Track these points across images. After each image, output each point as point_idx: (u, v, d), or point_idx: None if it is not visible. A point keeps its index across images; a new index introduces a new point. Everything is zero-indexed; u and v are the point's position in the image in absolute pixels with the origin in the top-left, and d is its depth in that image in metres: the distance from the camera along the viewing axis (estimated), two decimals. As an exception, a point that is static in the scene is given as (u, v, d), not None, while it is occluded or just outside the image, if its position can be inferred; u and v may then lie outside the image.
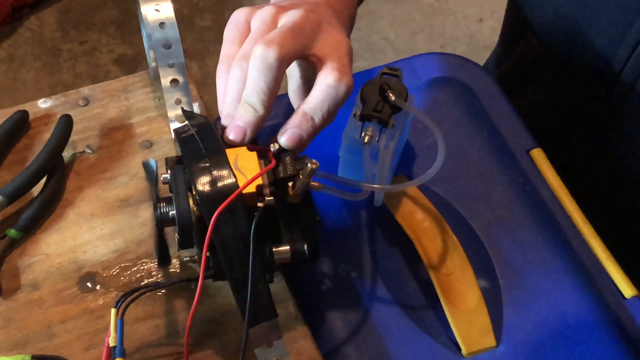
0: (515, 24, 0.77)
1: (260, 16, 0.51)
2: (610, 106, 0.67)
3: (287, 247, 0.48)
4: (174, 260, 0.55)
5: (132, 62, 1.84)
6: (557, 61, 0.71)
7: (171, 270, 0.55)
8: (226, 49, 0.52)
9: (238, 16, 0.52)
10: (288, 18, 0.50)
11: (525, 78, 0.77)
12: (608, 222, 0.65)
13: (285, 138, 0.49)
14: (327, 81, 0.48)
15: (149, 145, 0.61)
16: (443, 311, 0.55)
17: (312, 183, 0.48)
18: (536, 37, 0.71)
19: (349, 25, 0.57)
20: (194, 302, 0.45)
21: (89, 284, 0.54)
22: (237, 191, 0.44)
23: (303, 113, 0.49)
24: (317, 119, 0.49)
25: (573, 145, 0.75)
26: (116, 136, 0.62)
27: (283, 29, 0.48)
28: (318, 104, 0.49)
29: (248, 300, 0.45)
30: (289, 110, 0.54)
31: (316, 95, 0.49)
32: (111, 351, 0.46)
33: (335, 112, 0.50)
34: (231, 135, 0.49)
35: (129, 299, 0.48)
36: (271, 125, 0.66)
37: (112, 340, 0.46)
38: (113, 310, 0.46)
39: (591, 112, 0.70)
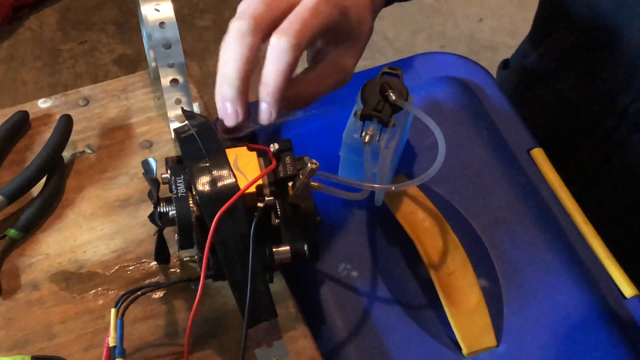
0: (549, 14, 0.76)
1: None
2: (637, 103, 0.67)
3: (287, 247, 0.48)
4: (174, 260, 0.55)
5: (132, 62, 1.85)
6: (589, 54, 0.70)
7: (171, 270, 0.55)
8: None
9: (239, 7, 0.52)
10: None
11: (551, 70, 0.77)
12: (608, 222, 0.65)
13: (260, 118, 0.49)
14: (277, 45, 0.47)
15: (149, 145, 0.61)
16: (444, 311, 0.55)
17: (312, 183, 0.48)
18: (570, 29, 0.71)
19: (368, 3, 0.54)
20: (195, 303, 0.45)
21: (88, 284, 0.54)
22: (238, 194, 0.44)
23: (260, 83, 0.48)
24: (272, 83, 0.48)
25: (579, 144, 0.75)
26: (116, 136, 0.62)
27: (302, 15, 0.48)
28: (267, 67, 0.48)
29: (248, 300, 0.45)
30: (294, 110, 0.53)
31: (267, 64, 0.48)
32: (111, 351, 0.45)
33: (287, 71, 0.48)
34: (262, 114, 0.49)
35: (129, 299, 0.47)
36: (272, 125, 0.66)
37: (112, 340, 0.46)
38: (113, 310, 0.46)
39: (618, 108, 0.69)
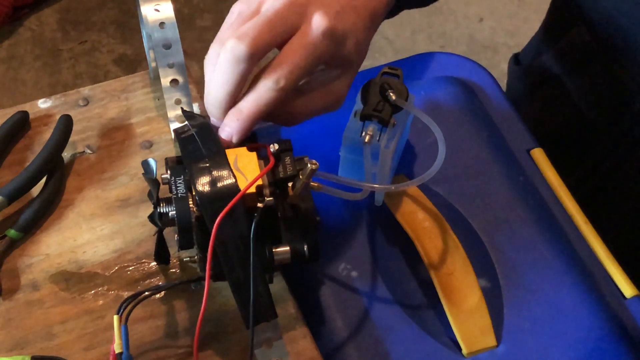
0: (564, 13, 0.76)
1: (246, 1, 0.50)
2: None
3: (287, 248, 0.48)
4: (174, 261, 0.55)
5: (132, 62, 1.85)
6: (604, 56, 0.70)
7: (171, 270, 0.55)
8: (219, 33, 0.51)
9: (234, 7, 0.52)
10: (270, 4, 0.48)
11: (564, 71, 0.76)
12: (608, 222, 0.65)
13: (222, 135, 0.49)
14: (263, 81, 0.47)
15: (149, 145, 0.61)
16: (443, 311, 0.55)
17: (312, 183, 0.48)
18: (584, 31, 0.71)
19: (365, 15, 0.52)
20: (202, 307, 0.44)
21: (88, 284, 0.54)
22: (238, 195, 0.44)
23: (233, 110, 0.48)
24: (246, 111, 0.48)
25: (590, 145, 0.75)
26: (116, 136, 0.62)
27: (260, 19, 0.47)
28: (248, 96, 0.48)
29: (252, 300, 0.45)
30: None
31: (250, 93, 0.48)
32: (117, 357, 0.45)
33: (266, 108, 0.48)
34: (223, 134, 0.49)
35: (131, 304, 0.47)
36: (274, 125, 0.66)
37: (117, 347, 0.45)
38: (116, 317, 0.46)
39: (633, 109, 0.69)
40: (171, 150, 0.61)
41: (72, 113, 0.61)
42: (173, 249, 0.54)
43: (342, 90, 0.52)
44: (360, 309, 0.56)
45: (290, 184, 0.48)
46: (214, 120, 0.50)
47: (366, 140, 0.54)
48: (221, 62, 0.47)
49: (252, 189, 0.46)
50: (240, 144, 0.50)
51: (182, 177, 0.48)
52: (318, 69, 0.51)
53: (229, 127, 0.48)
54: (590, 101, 0.75)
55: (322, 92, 0.51)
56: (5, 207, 0.55)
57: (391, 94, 0.54)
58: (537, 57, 0.81)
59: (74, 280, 0.54)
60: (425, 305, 0.56)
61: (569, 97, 0.76)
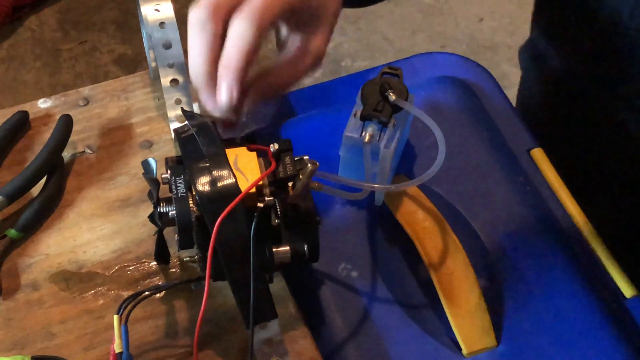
0: None
1: None
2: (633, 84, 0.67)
3: (287, 248, 0.48)
4: (174, 260, 0.55)
5: (132, 62, 1.84)
6: (578, 29, 0.70)
7: (171, 270, 0.55)
8: None
9: None
10: None
11: (550, 45, 0.76)
12: (608, 222, 0.65)
13: (220, 99, 0.48)
14: (237, 24, 0.46)
15: (149, 145, 0.61)
16: (444, 311, 0.55)
17: (312, 183, 0.48)
18: (558, 4, 0.71)
19: None
20: (202, 307, 0.45)
21: (88, 284, 0.54)
22: (238, 198, 0.44)
23: (220, 68, 0.48)
24: (233, 61, 0.47)
25: (575, 142, 0.75)
26: (116, 136, 0.62)
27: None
28: (227, 49, 0.47)
29: (252, 300, 0.45)
30: (294, 110, 0.53)
31: (228, 43, 0.47)
32: (117, 357, 0.45)
33: (249, 52, 0.47)
34: (222, 98, 0.48)
35: (131, 304, 0.47)
36: (272, 125, 0.66)
37: (117, 347, 0.46)
38: (116, 317, 0.46)
39: (618, 91, 0.69)
40: (171, 150, 0.61)
41: (72, 113, 0.61)
42: (173, 249, 0.54)
43: (320, 48, 0.51)
44: (360, 309, 0.56)
45: (290, 184, 0.48)
46: (203, 95, 0.49)
47: (366, 140, 0.54)
48: (190, 34, 0.47)
49: (252, 189, 0.46)
50: (240, 142, 0.50)
51: (182, 177, 0.48)
52: (291, 30, 0.51)
53: (225, 84, 0.47)
54: (572, 81, 0.74)
55: (301, 53, 0.50)
56: (5, 207, 0.55)
57: (391, 94, 0.54)
58: (532, 44, 0.81)
59: (74, 280, 0.54)
60: (425, 305, 0.56)
61: (555, 79, 0.76)
